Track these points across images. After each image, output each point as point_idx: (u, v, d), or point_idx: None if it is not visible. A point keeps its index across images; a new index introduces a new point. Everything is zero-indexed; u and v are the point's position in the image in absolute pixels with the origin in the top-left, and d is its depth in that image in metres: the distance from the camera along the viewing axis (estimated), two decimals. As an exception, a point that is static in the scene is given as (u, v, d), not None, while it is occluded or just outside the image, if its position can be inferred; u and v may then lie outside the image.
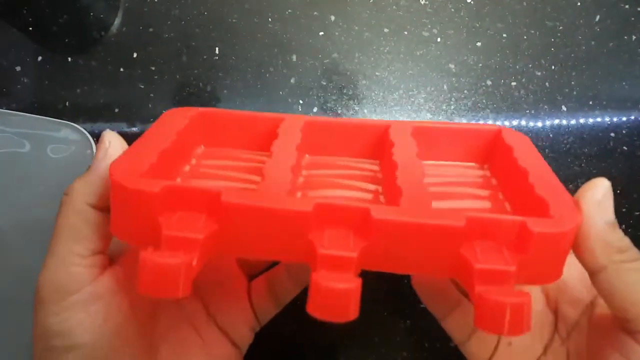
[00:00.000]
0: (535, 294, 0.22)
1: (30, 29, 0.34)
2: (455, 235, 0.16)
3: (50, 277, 0.18)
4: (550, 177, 0.19)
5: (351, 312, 0.15)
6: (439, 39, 0.34)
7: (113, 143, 0.19)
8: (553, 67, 0.34)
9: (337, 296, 0.15)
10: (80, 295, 0.18)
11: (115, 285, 0.19)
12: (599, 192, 0.18)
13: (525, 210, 0.19)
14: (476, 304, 0.15)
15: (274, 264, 0.26)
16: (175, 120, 0.22)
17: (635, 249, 0.18)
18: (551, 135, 0.34)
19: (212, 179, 0.22)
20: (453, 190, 0.21)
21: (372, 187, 0.22)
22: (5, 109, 0.32)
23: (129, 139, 0.32)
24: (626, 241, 0.18)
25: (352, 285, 0.15)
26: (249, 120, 0.24)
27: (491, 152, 0.24)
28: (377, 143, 0.24)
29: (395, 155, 0.20)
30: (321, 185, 0.21)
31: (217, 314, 0.23)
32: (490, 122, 0.34)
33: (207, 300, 0.23)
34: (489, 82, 0.34)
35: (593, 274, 0.18)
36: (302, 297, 0.32)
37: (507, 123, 0.34)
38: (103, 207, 0.19)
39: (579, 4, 0.35)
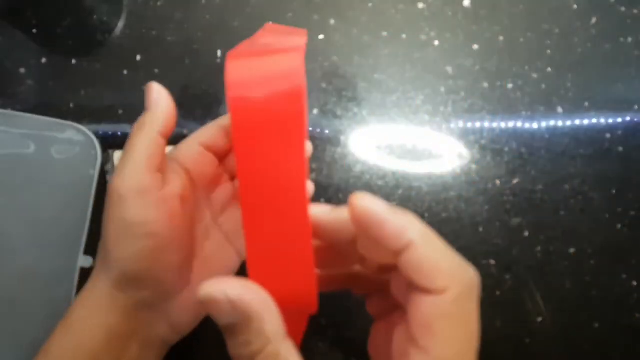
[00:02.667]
0: None
1: (35, 31, 0.34)
2: None
3: (130, 181, 0.22)
4: None
5: None
6: (436, 42, 0.35)
7: (162, 93, 0.25)
8: (549, 69, 0.34)
9: None
10: (155, 197, 0.22)
11: (174, 193, 0.24)
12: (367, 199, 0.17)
13: None
14: None
15: None
16: None
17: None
18: (547, 137, 0.34)
19: None
20: None
21: None
22: (10, 110, 0.33)
23: (133, 140, 0.33)
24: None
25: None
26: None
27: None
28: None
29: None
30: None
31: (224, 223, 0.27)
32: (486, 124, 0.34)
33: (216, 211, 0.28)
34: (485, 85, 0.34)
35: (398, 254, 0.16)
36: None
37: (503, 125, 0.34)
38: (165, 136, 0.24)
39: (575, 6, 0.35)
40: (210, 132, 0.26)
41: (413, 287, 0.16)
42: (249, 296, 0.16)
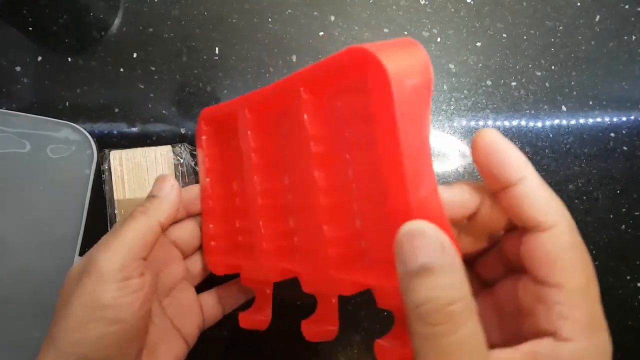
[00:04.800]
0: None
1: (30, 29, 0.34)
2: None
3: (115, 260, 0.21)
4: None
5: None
6: (438, 39, 0.34)
7: (175, 187, 0.25)
8: (553, 67, 0.34)
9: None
10: (133, 282, 0.22)
11: (149, 283, 0.23)
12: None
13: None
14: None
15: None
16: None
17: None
18: (551, 135, 0.34)
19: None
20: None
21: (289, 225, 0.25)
22: (6, 109, 0.32)
23: (130, 139, 0.33)
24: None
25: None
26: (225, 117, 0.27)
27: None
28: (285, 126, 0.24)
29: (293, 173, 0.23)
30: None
31: (168, 307, 0.27)
32: (490, 122, 0.34)
33: (161, 292, 0.27)
34: (489, 82, 0.34)
35: (505, 188, 0.17)
36: (302, 302, 0.32)
37: (507, 123, 0.34)
38: (164, 227, 0.24)
39: (578, 4, 0.35)
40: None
41: (527, 230, 0.17)
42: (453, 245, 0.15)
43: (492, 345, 0.15)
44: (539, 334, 0.16)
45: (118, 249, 0.22)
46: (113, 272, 0.21)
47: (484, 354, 0.15)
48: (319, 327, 0.22)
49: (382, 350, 0.18)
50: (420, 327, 0.15)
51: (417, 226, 0.15)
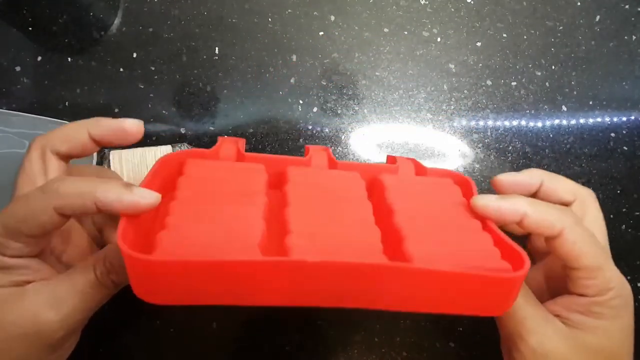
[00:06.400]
0: None
1: (30, 29, 0.34)
2: None
3: (62, 327, 0.20)
4: None
5: None
6: (439, 39, 0.34)
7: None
8: (553, 67, 0.34)
9: None
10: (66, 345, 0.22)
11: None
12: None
13: None
14: None
15: None
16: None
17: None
18: (551, 135, 0.34)
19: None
20: None
21: None
22: (5, 109, 0.32)
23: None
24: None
25: None
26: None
27: None
28: None
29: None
30: None
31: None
32: (490, 122, 0.34)
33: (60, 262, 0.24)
34: (489, 82, 0.34)
35: (550, 239, 0.21)
36: (305, 308, 0.32)
37: (507, 123, 0.34)
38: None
39: (579, 4, 0.35)
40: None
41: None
42: None
43: (543, 299, 0.23)
44: (572, 292, 0.22)
45: (70, 310, 0.20)
46: (56, 334, 0.20)
47: (531, 298, 0.22)
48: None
49: None
50: (572, 225, 0.21)
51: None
